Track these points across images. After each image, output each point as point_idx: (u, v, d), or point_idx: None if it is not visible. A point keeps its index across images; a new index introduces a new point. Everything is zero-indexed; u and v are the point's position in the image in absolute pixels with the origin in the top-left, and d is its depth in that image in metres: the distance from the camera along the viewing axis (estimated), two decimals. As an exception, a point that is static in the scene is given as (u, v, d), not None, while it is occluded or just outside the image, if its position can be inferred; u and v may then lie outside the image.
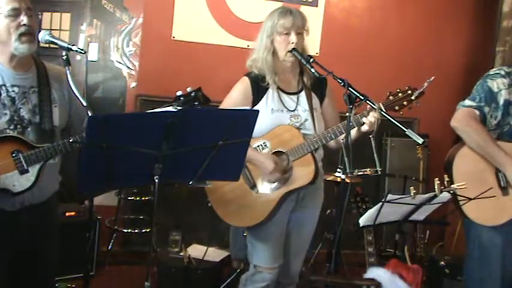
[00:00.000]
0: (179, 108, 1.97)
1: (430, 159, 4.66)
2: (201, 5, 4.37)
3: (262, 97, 2.54)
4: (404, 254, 3.79)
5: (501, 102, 2.53)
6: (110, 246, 4.09)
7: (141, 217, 4.26)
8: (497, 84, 2.54)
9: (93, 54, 4.17)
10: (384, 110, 2.30)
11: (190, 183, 1.96)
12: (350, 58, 4.59)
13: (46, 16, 4.04)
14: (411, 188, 2.37)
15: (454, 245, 4.31)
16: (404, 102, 2.37)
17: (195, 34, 4.37)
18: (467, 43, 5.00)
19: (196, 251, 3.64)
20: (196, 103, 2.02)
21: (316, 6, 4.59)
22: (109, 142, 1.72)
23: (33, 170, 2.02)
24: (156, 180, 1.83)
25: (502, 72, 2.58)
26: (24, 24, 2.01)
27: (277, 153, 2.51)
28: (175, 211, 4.18)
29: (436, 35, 4.90)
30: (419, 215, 2.53)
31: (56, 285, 2.84)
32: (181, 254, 3.61)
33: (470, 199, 2.41)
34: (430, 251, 4.31)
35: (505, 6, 4.65)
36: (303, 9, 4.32)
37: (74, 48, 2.01)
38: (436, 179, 2.42)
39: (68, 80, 2.03)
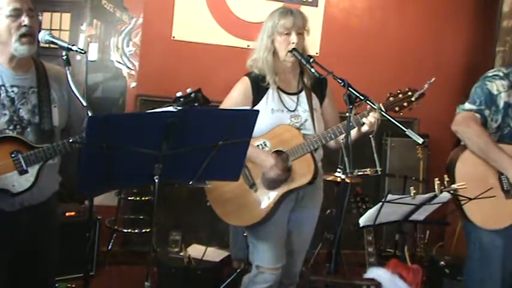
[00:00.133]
0: (179, 108, 1.97)
1: (430, 159, 4.66)
2: (201, 5, 4.37)
3: (262, 97, 2.54)
4: (404, 254, 3.79)
5: (501, 105, 2.51)
6: (110, 246, 4.08)
7: (141, 217, 4.26)
8: (496, 86, 2.52)
9: (93, 54, 4.17)
10: (384, 110, 2.30)
11: (190, 183, 1.96)
12: (350, 58, 4.58)
13: (46, 16, 4.04)
14: (411, 188, 2.37)
15: (454, 245, 4.31)
16: (405, 104, 2.37)
17: (195, 34, 4.37)
18: (467, 43, 5.00)
19: (196, 251, 3.64)
20: (196, 104, 2.02)
21: (316, 6, 4.59)
22: (109, 142, 1.72)
23: (33, 171, 2.02)
24: (156, 180, 1.83)
25: (501, 74, 2.55)
26: (25, 25, 2.00)
27: (277, 153, 2.51)
28: (175, 211, 4.17)
29: (436, 35, 4.90)
30: (419, 215, 2.53)
31: (56, 285, 2.83)
32: (181, 254, 3.61)
33: (470, 199, 2.41)
34: (430, 251, 4.30)
35: (505, 6, 4.65)
36: (303, 9, 4.32)
37: (74, 48, 2.01)
38: (436, 179, 2.41)
39: (68, 80, 2.02)
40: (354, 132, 2.37)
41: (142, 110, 4.11)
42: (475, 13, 4.99)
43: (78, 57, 3.93)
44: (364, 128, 2.35)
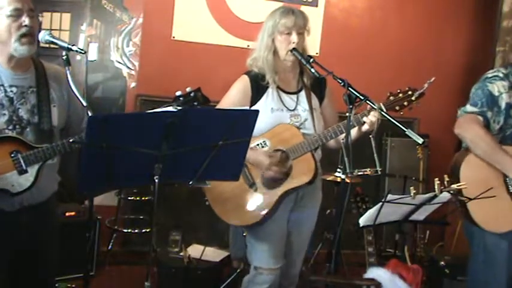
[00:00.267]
0: (179, 108, 1.97)
1: (430, 159, 4.66)
2: (201, 5, 4.37)
3: (261, 96, 2.54)
4: (404, 254, 3.79)
5: (503, 106, 2.49)
6: (110, 246, 4.08)
7: (141, 217, 4.26)
8: (497, 87, 2.50)
9: (93, 54, 4.17)
10: (385, 110, 2.30)
11: (190, 183, 1.96)
12: (350, 58, 4.58)
13: (46, 16, 4.04)
14: (411, 188, 2.37)
15: (454, 245, 4.31)
16: (405, 103, 2.37)
17: (195, 34, 4.37)
18: (467, 43, 5.00)
19: (196, 251, 3.63)
20: (195, 103, 2.02)
21: (316, 6, 4.59)
22: (109, 142, 1.72)
23: (32, 171, 2.02)
24: (156, 180, 1.83)
25: (500, 75, 2.53)
26: (25, 25, 2.00)
27: (277, 152, 2.51)
28: (175, 211, 4.17)
29: (436, 35, 4.90)
30: (419, 215, 2.53)
31: (56, 285, 2.83)
32: (181, 254, 3.61)
33: (470, 199, 2.40)
34: (430, 251, 4.30)
35: (505, 6, 4.65)
36: (303, 9, 4.31)
37: (74, 48, 2.01)
38: (436, 179, 2.41)
39: (67, 80, 2.02)
40: (354, 132, 2.37)
41: (142, 110, 4.11)
42: (475, 13, 4.99)
43: (78, 57, 3.93)
44: (365, 127, 2.35)
